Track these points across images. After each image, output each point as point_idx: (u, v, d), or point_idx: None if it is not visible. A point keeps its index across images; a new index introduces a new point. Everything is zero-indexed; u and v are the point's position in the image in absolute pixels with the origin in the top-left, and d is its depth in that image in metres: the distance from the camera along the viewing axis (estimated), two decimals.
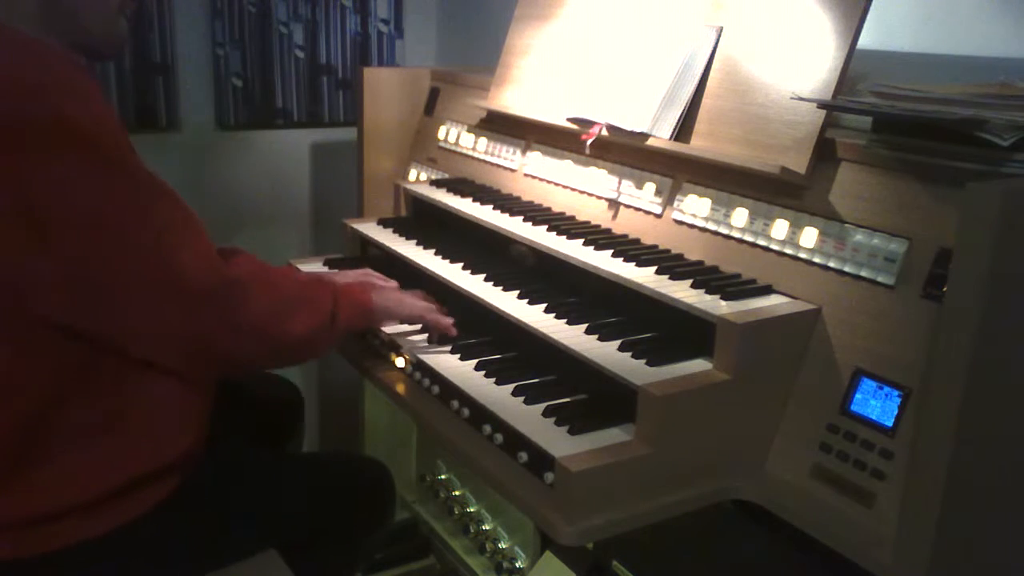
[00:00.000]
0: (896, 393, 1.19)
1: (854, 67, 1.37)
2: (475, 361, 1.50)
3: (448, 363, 1.50)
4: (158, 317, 1.26)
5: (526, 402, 1.35)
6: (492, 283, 1.62)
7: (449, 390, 1.44)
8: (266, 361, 1.45)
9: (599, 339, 1.38)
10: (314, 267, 1.91)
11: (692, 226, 1.55)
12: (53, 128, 1.17)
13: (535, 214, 1.75)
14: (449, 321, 1.56)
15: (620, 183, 1.70)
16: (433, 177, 2.23)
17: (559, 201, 1.84)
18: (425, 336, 1.59)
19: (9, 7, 1.28)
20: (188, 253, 1.26)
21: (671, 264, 1.47)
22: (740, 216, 1.46)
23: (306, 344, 1.41)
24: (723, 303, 1.32)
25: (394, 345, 1.60)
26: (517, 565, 2.09)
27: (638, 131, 1.60)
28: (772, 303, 1.33)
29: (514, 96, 1.98)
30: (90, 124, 1.20)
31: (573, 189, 1.82)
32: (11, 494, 1.28)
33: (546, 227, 1.68)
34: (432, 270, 1.72)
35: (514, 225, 1.72)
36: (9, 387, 1.26)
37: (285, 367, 1.53)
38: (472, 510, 2.25)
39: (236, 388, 1.74)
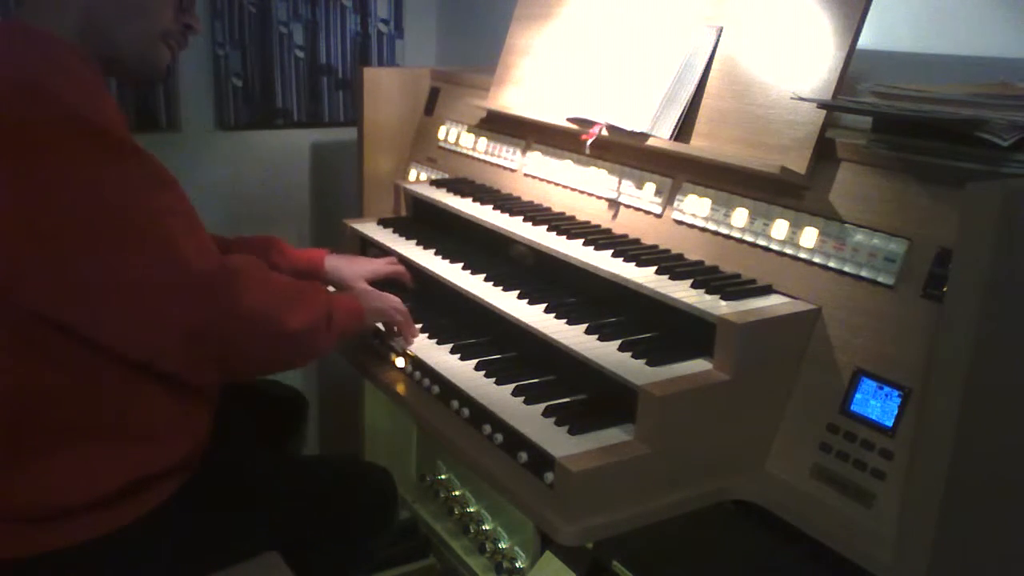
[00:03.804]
0: (896, 393, 1.19)
1: (854, 67, 1.37)
2: (475, 361, 1.50)
3: (448, 363, 1.50)
4: (158, 305, 1.24)
5: (526, 402, 1.35)
6: (492, 283, 1.62)
7: (449, 390, 1.44)
8: (264, 357, 1.41)
9: (599, 339, 1.38)
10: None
11: (692, 226, 1.55)
12: (69, 130, 1.18)
13: (535, 214, 1.75)
14: (415, 332, 1.62)
15: (620, 183, 1.70)
16: (433, 177, 2.23)
17: (559, 201, 1.84)
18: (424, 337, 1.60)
19: (50, 19, 1.30)
20: (189, 241, 1.26)
21: (671, 264, 1.47)
22: (740, 216, 1.46)
23: (304, 340, 1.39)
24: (723, 303, 1.32)
25: (394, 345, 1.60)
26: (517, 565, 2.09)
27: (638, 131, 1.60)
28: (772, 303, 1.33)
29: (514, 96, 1.98)
30: (104, 122, 1.22)
31: (573, 189, 1.82)
32: (9, 491, 1.28)
33: (546, 227, 1.68)
34: (432, 270, 1.72)
35: (514, 225, 1.72)
36: (2, 378, 1.27)
37: (284, 368, 1.52)
38: (472, 510, 2.25)
39: (238, 389, 1.74)
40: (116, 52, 1.35)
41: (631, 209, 1.68)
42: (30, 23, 1.31)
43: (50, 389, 1.28)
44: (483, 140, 2.10)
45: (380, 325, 1.63)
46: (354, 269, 1.80)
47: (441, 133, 2.27)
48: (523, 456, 1.25)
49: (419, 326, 1.63)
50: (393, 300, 1.62)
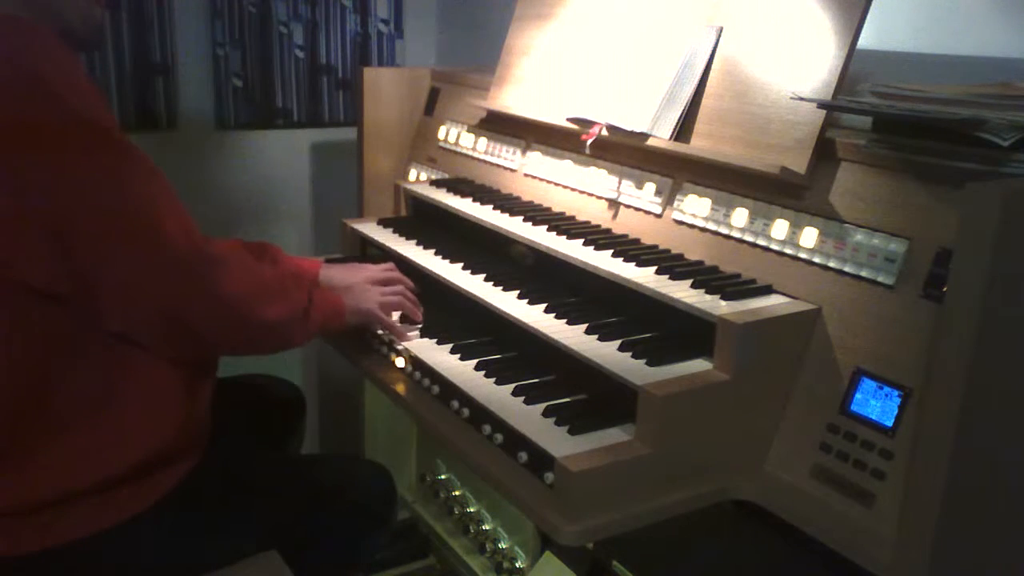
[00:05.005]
0: (896, 393, 1.19)
1: (854, 67, 1.37)
2: (475, 361, 1.50)
3: (448, 363, 1.50)
4: (135, 279, 1.27)
5: (526, 402, 1.35)
6: (492, 283, 1.62)
7: (449, 390, 1.44)
8: (237, 342, 1.45)
9: (599, 339, 1.38)
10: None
11: (692, 226, 1.55)
12: (64, 128, 1.20)
13: (535, 214, 1.75)
14: (416, 310, 1.63)
15: (620, 183, 1.70)
16: (433, 177, 2.23)
17: (559, 201, 1.84)
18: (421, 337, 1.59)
19: None
20: (171, 221, 1.29)
21: (671, 264, 1.47)
22: (740, 216, 1.46)
23: (276, 331, 1.43)
24: (723, 303, 1.32)
25: (394, 345, 1.60)
26: (517, 565, 2.09)
27: (638, 131, 1.60)
28: (772, 303, 1.33)
29: (514, 96, 1.98)
30: (91, 112, 1.23)
31: (573, 189, 1.82)
32: (8, 486, 1.28)
33: (546, 227, 1.68)
34: (432, 270, 1.72)
35: (514, 225, 1.72)
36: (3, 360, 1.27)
37: (258, 353, 1.55)
38: (472, 510, 2.25)
39: (237, 388, 1.75)
40: (65, 23, 1.35)
41: (631, 209, 1.68)
42: None
43: (48, 370, 1.28)
44: (483, 140, 2.10)
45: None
46: (349, 277, 1.79)
47: (441, 133, 2.27)
48: (523, 456, 1.25)
49: (419, 326, 1.63)
50: (386, 295, 1.61)
